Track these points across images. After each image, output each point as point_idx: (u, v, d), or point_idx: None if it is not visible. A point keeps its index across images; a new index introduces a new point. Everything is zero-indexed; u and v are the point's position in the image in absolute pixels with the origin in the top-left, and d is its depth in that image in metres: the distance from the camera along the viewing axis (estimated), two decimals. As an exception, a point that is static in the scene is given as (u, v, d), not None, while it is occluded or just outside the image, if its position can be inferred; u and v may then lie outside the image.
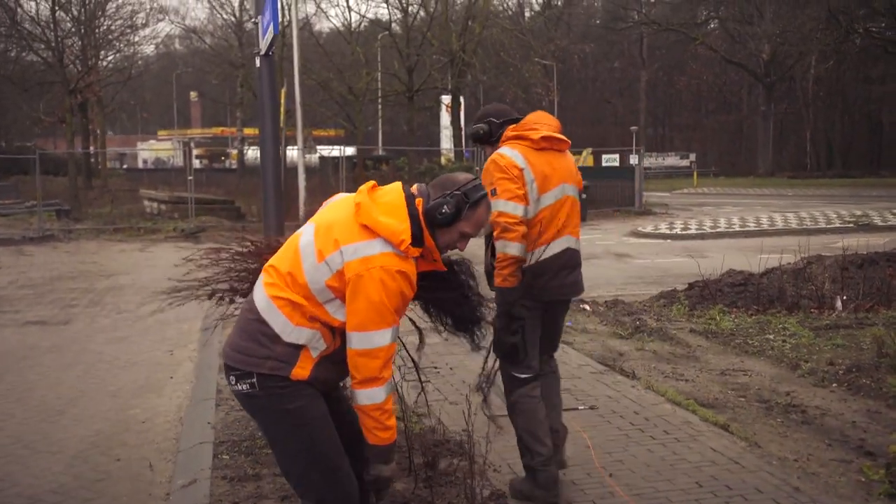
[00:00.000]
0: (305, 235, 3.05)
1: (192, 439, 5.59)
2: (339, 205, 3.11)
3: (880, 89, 56.89)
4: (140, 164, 65.41)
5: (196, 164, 33.34)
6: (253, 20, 5.26)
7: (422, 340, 3.86)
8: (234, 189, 30.75)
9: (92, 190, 33.25)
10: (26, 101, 37.29)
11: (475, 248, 3.59)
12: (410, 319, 3.77)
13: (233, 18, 43.68)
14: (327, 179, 27.16)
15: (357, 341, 2.90)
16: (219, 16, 45.88)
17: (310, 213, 13.93)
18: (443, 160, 32.62)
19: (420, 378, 4.34)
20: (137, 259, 17.01)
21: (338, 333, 3.00)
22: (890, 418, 5.65)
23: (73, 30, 33.51)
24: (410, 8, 32.23)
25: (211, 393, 6.58)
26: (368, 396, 2.92)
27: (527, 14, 55.98)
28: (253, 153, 34.64)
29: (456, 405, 6.01)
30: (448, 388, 6.44)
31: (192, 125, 74.55)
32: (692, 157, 60.94)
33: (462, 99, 37.97)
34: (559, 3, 57.45)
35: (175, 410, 6.43)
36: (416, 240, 2.94)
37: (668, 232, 20.96)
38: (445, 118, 42.04)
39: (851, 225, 20.86)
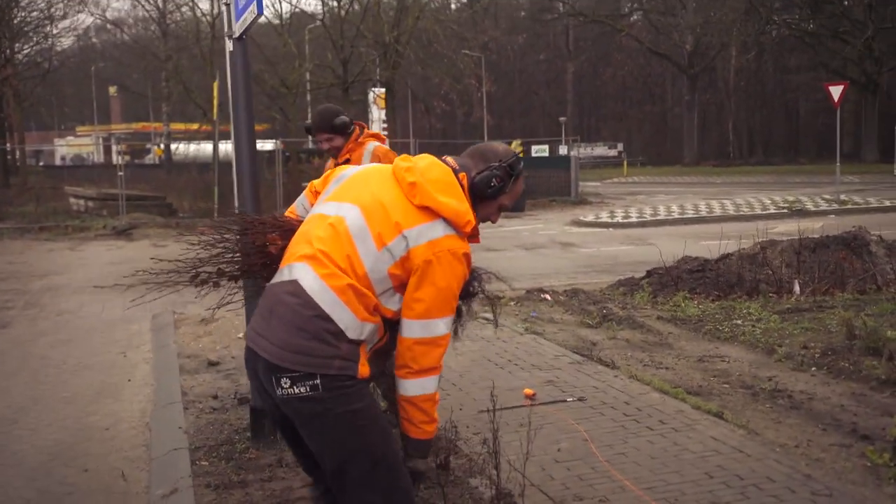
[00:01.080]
0: (353, 218, 2.77)
1: (164, 446, 5.25)
2: (376, 180, 2.86)
3: (796, 79, 58.62)
4: (58, 161, 63.23)
5: (117, 159, 32.27)
6: (224, 1, 4.91)
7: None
8: (162, 185, 29.86)
9: (11, 188, 31.93)
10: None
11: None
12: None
13: (155, 10, 42.46)
14: (261, 174, 26.56)
15: (420, 330, 2.72)
16: (140, 8, 44.54)
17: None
18: (377, 152, 32.26)
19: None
20: (69, 258, 16.30)
21: (387, 326, 2.80)
22: (875, 400, 5.64)
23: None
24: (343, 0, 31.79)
25: (176, 396, 6.23)
26: (422, 387, 2.75)
27: (453, 5, 55.83)
28: (182, 149, 33.72)
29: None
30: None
31: (113, 120, 72.49)
32: (620, 147, 61.73)
33: (393, 91, 37.62)
34: (487, -6, 57.43)
35: (139, 415, 6.06)
36: None
37: (609, 220, 21.07)
38: (376, 111, 41.65)
39: (786, 210, 21.28)
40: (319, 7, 33.93)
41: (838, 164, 23.59)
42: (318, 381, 2.66)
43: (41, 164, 58.99)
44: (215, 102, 23.14)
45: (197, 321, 8.94)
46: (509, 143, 47.09)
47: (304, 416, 2.76)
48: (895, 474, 4.29)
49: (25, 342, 8.68)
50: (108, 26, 53.79)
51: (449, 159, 2.91)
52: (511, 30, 61.29)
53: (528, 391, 5.82)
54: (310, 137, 5.27)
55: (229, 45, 4.95)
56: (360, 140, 5.26)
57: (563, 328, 8.08)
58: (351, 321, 2.69)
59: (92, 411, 6.19)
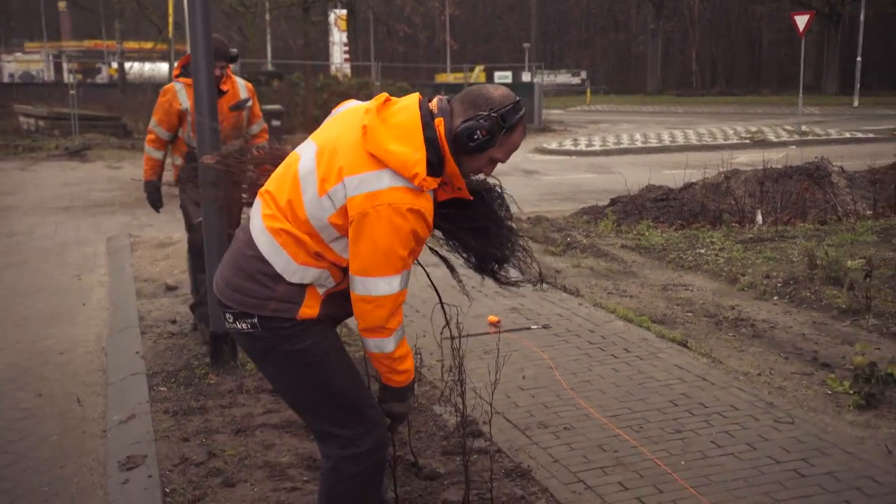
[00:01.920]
0: (305, 160, 2.60)
1: (121, 371, 5.14)
2: (346, 120, 2.63)
3: (760, 9, 58.28)
4: (6, 78, 61.27)
5: (68, 78, 31.16)
6: None
7: (453, 269, 3.33)
8: (116, 105, 29.02)
9: (-44, 106, 30.91)
10: None
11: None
12: (432, 249, 3.33)
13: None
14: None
15: (360, 287, 2.53)
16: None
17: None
18: (339, 76, 31.66)
19: (444, 311, 3.66)
20: (20, 178, 15.84)
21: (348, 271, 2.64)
22: (836, 329, 5.68)
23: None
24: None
25: (133, 320, 6.09)
26: (376, 345, 2.61)
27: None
28: (137, 68, 32.71)
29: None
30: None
31: (63, 37, 70.14)
32: (584, 74, 61.29)
33: (356, 13, 36.77)
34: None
35: (95, 340, 5.91)
36: (434, 168, 2.51)
37: (572, 148, 20.96)
38: (336, 34, 40.78)
39: (748, 141, 21.33)
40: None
41: (801, 95, 23.62)
42: (255, 321, 2.60)
43: (-11, 81, 57.07)
44: (170, 20, 22.41)
45: (154, 245, 8.74)
46: (471, 70, 46.61)
47: (250, 351, 2.75)
48: (854, 402, 4.33)
49: (-25, 264, 8.43)
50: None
51: (434, 101, 2.62)
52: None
53: (493, 318, 5.78)
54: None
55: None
56: (230, 76, 5.77)
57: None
58: (287, 265, 2.57)
59: (46, 335, 6.03)
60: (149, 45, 30.95)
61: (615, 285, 6.89)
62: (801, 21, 22.07)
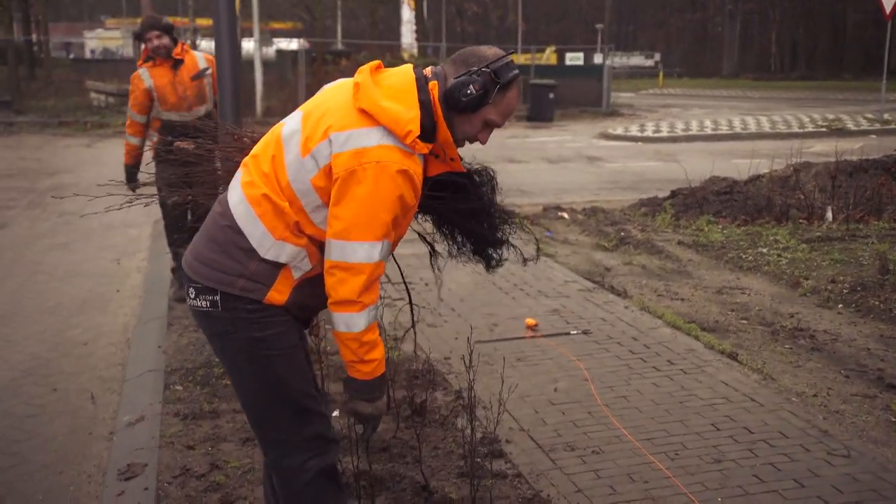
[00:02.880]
0: (290, 123, 2.44)
1: (139, 366, 4.98)
2: (336, 88, 2.48)
3: (846, -10, 56.09)
4: (87, 55, 62.63)
5: (144, 54, 31.57)
6: None
7: (434, 252, 3.26)
8: (186, 82, 29.34)
9: (35, 81, 31.50)
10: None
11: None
12: (417, 233, 3.23)
13: None
14: (285, 74, 25.96)
15: (337, 251, 2.31)
16: None
17: (267, 110, 12.88)
18: (405, 55, 31.40)
19: (410, 299, 3.64)
20: (83, 155, 16.00)
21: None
22: (905, 345, 5.21)
23: None
24: None
25: (162, 311, 5.94)
26: (345, 322, 2.34)
27: None
28: (206, 45, 32.96)
29: (434, 327, 5.46)
30: (425, 308, 5.85)
31: (143, 13, 71.30)
32: (657, 56, 59.92)
33: (425, -9, 36.47)
34: None
35: (121, 331, 5.78)
36: (427, 133, 2.34)
37: (638, 134, 20.34)
38: (407, 12, 40.50)
39: (825, 129, 20.41)
40: None
41: (884, 80, 22.46)
42: (217, 298, 2.40)
43: (71, 56, 58.43)
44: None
45: (198, 229, 8.62)
46: (542, 50, 45.90)
47: (207, 334, 2.56)
48: (922, 434, 3.91)
49: (21, 245, 8.42)
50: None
51: (428, 69, 2.46)
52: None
53: (530, 321, 5.45)
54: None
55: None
56: (186, 49, 6.24)
57: (577, 250, 7.66)
58: (263, 238, 2.37)
59: (74, 324, 5.92)
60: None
61: (666, 286, 6.48)
62: (889, 2, 20.96)
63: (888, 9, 20.79)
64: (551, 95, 24.52)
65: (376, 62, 2.48)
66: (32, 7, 35.07)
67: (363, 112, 2.31)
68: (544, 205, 10.07)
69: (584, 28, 62.31)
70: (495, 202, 2.94)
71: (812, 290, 6.30)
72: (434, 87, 2.37)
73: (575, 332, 5.33)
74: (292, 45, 28.94)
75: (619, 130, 21.20)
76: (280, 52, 30.67)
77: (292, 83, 24.04)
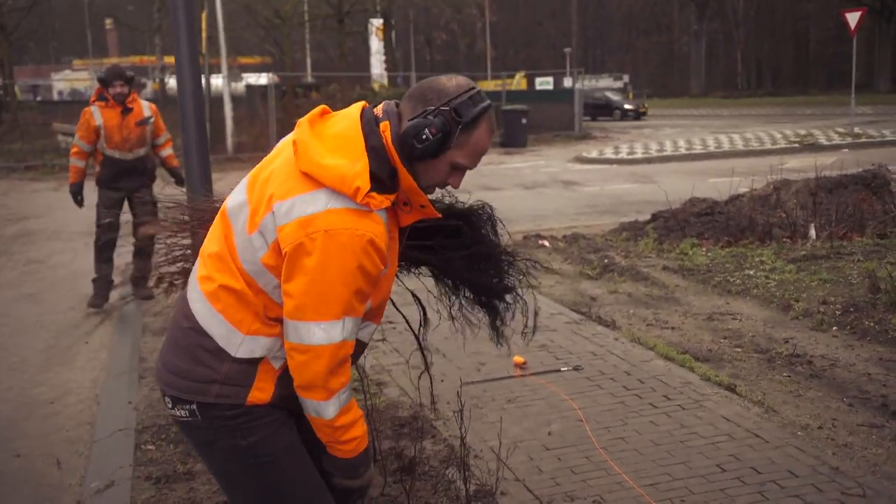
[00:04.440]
0: (236, 192, 2.20)
1: (109, 425, 4.70)
2: (283, 145, 2.20)
3: (808, 7, 56.98)
4: (55, 96, 62.14)
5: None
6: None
7: (426, 321, 3.04)
8: (155, 121, 29.07)
9: (1, 125, 31.10)
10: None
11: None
12: (411, 292, 3.06)
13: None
14: (255, 109, 25.76)
15: (293, 333, 2.04)
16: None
17: (238, 145, 12.58)
18: (376, 86, 31.31)
19: (426, 360, 3.46)
20: (51, 200, 15.65)
21: None
22: (905, 367, 5.04)
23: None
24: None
25: (133, 363, 5.67)
26: (314, 409, 2.09)
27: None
28: (175, 83, 32.72)
29: (419, 369, 5.20)
30: (407, 348, 5.61)
31: (109, 54, 71.04)
32: (626, 78, 60.38)
33: (393, 22, 36.48)
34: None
35: (90, 386, 5.49)
36: (383, 184, 2.03)
37: (613, 157, 20.31)
38: (376, 43, 40.50)
39: (797, 145, 20.49)
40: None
41: (853, 94, 22.63)
42: (194, 408, 2.14)
43: (38, 98, 57.93)
44: (203, 34, 22.21)
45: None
46: (512, 76, 46.04)
47: (192, 443, 2.30)
48: (936, 465, 3.72)
49: (-14, 296, 8.11)
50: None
51: (379, 107, 2.15)
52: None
53: (518, 359, 5.23)
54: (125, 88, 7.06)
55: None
56: (135, 98, 7.18)
57: (560, 280, 7.47)
58: (229, 336, 2.10)
59: (40, 381, 5.63)
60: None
61: (655, 315, 6.30)
62: (853, 18, 21.14)
63: (853, 24, 20.98)
64: (524, 121, 24.51)
65: (320, 108, 2.18)
66: (-5, 51, 34.71)
67: (305, 175, 2.02)
68: (524, 233, 9.90)
69: (552, 53, 62.80)
70: (498, 244, 2.66)
71: (804, 312, 6.13)
72: (386, 129, 2.07)
73: (566, 368, 5.11)
74: (262, 79, 28.77)
75: (594, 153, 21.17)
76: (249, 86, 30.47)
77: (263, 118, 23.83)
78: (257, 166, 2.21)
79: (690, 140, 23.27)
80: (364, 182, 1.97)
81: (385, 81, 33.29)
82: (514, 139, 24.38)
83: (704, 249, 8.42)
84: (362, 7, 30.97)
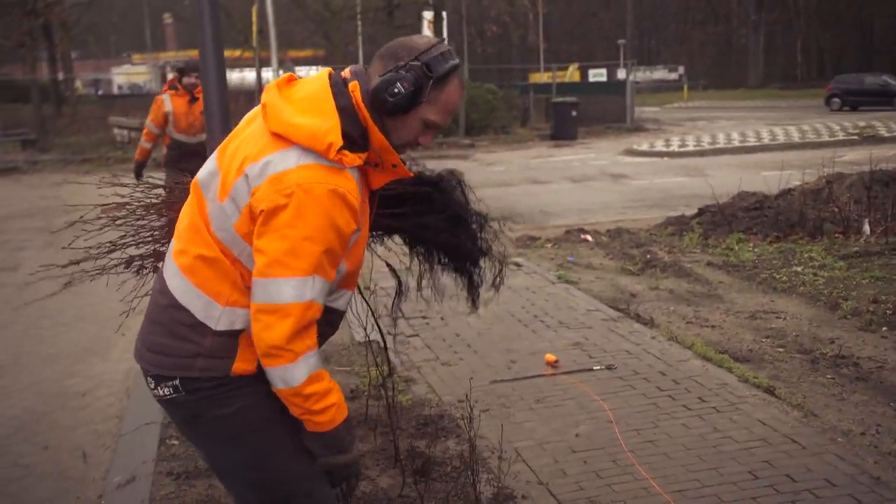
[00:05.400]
0: (207, 165, 2.17)
1: (137, 418, 4.70)
2: (252, 114, 2.19)
3: (872, -6, 55.34)
4: (115, 90, 63.38)
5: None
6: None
7: (400, 291, 3.01)
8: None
9: (61, 118, 31.74)
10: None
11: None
12: (386, 262, 3.07)
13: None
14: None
15: (261, 292, 1.98)
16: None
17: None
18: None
19: (384, 341, 3.60)
20: (104, 191, 15.89)
21: None
22: (958, 371, 4.81)
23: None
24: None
25: (164, 356, 5.67)
26: (280, 377, 2.01)
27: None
28: (237, 76, 33.06)
29: (449, 366, 5.14)
30: (440, 345, 5.54)
31: (169, 48, 72.12)
32: (681, 70, 59.45)
33: (444, 14, 36.34)
34: (543, -90, 55.00)
35: (122, 379, 5.51)
36: (355, 141, 2.01)
37: (664, 149, 19.94)
38: (427, 35, 40.42)
39: (856, 137, 19.90)
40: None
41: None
42: (177, 383, 2.11)
43: (99, 92, 59.14)
44: (254, 28, 22.39)
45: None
46: (565, 68, 45.61)
47: (176, 422, 2.27)
48: None
49: (30, 287, 8.21)
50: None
51: (347, 70, 2.14)
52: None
53: (550, 357, 5.11)
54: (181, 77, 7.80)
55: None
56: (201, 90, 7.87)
57: (600, 276, 7.31)
58: (208, 309, 2.07)
59: (74, 372, 5.67)
60: (237, 52, 31.14)
61: (696, 312, 6.12)
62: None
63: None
64: (574, 113, 24.21)
65: (287, 75, 2.17)
66: (57, 46, 35.42)
67: (276, 135, 2.00)
68: (567, 227, 9.74)
69: (606, 44, 62.02)
70: (469, 208, 2.68)
71: (852, 311, 5.90)
72: (355, 89, 2.05)
73: (598, 367, 4.98)
74: (312, 72, 28.90)
75: (645, 146, 20.82)
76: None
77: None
78: (228, 136, 2.18)
79: (745, 132, 22.75)
80: (336, 138, 1.96)
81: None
82: (563, 132, 24.11)
83: (751, 245, 8.18)
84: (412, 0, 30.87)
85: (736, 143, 20.26)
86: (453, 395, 4.64)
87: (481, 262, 2.84)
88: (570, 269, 7.54)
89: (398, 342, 5.14)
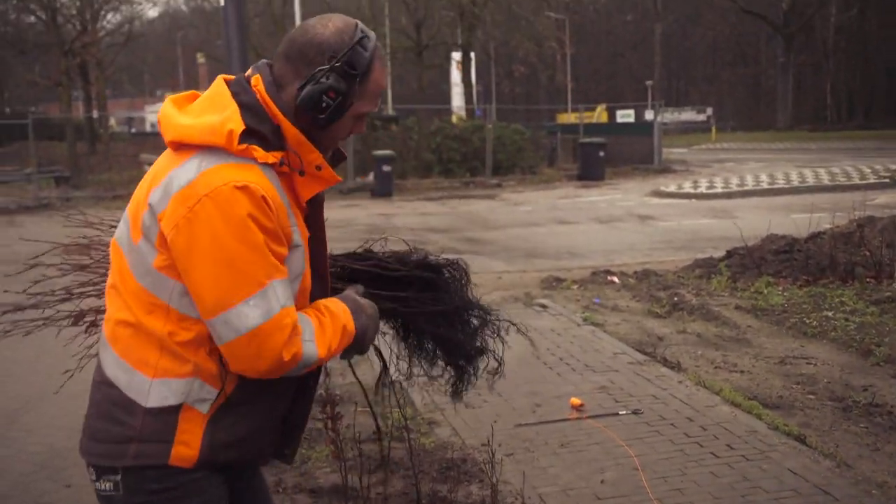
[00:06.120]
0: (121, 222, 1.93)
1: (158, 457, 4.68)
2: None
3: (904, 36, 55.14)
4: (148, 128, 64.45)
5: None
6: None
7: (384, 373, 2.81)
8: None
9: (95, 155, 32.30)
10: (24, 65, 36.31)
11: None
12: (374, 346, 2.80)
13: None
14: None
15: (224, 329, 1.72)
16: (220, -27, 44.48)
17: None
18: (454, 118, 31.47)
19: (377, 423, 3.38)
20: (72, 231, 16.07)
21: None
22: None
23: (68, -11, 32.38)
24: (417, -40, 30.93)
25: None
26: (304, 368, 1.83)
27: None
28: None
29: (473, 409, 5.09)
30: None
31: (201, 87, 73.25)
32: (709, 111, 59.41)
33: (473, 55, 36.69)
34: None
35: (145, 416, 5.50)
36: (263, 137, 1.77)
37: (692, 191, 19.87)
38: (456, 75, 40.82)
39: (888, 180, 19.71)
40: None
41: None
42: (119, 478, 1.82)
43: (132, 130, 60.20)
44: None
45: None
46: (592, 109, 45.75)
47: None
48: None
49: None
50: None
51: (249, 70, 1.91)
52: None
53: (575, 401, 5.05)
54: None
55: (221, 1, 4.26)
56: None
57: (627, 318, 7.24)
58: (136, 382, 1.79)
59: (98, 409, 5.67)
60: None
61: (724, 357, 6.03)
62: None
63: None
64: (601, 154, 24.26)
65: (189, 92, 1.93)
66: (93, 86, 36.15)
67: (174, 145, 1.79)
68: (593, 268, 9.69)
69: (634, 85, 62.32)
70: (471, 300, 2.51)
71: (886, 358, 5.79)
72: (258, 82, 1.82)
73: (624, 412, 4.90)
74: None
75: (672, 187, 20.76)
76: (330, 119, 30.92)
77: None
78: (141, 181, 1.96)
79: (773, 174, 22.63)
80: (236, 124, 1.73)
81: (464, 113, 33.44)
82: (590, 172, 24.13)
83: (781, 289, 8.08)
84: (442, 40, 31.21)
85: (765, 185, 20.14)
86: (477, 438, 4.58)
87: (477, 361, 2.59)
88: (597, 311, 7.47)
89: (421, 383, 5.11)
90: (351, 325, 1.92)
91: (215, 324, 1.74)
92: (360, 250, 2.61)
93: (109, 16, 38.50)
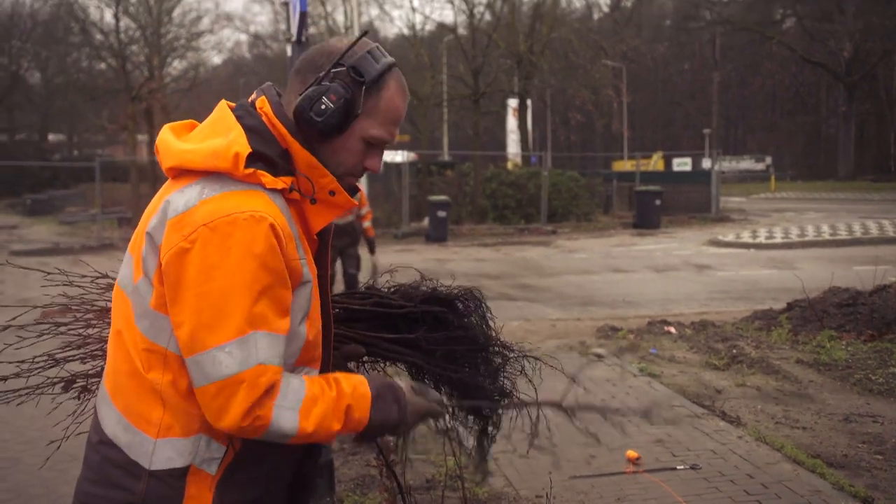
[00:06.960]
0: (123, 264, 1.79)
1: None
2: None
3: (969, 86, 54.08)
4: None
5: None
6: (282, 1, 4.36)
7: (402, 492, 2.53)
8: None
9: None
10: (94, 110, 37.48)
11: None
12: (391, 470, 2.64)
13: (297, 24, 43.25)
14: (390, 186, 26.42)
15: (195, 373, 1.57)
16: (282, 22, 45.61)
17: (373, 221, 13.01)
18: (510, 165, 31.60)
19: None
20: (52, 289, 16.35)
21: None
22: None
23: (138, 37, 33.46)
24: (476, 10, 31.29)
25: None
26: (276, 438, 1.63)
27: (595, 15, 54.65)
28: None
29: (526, 459, 5.02)
30: (518, 436, 5.41)
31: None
32: (768, 160, 58.71)
33: (529, 102, 36.89)
34: (629, 3, 55.92)
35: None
36: (272, 162, 1.65)
37: (750, 241, 19.57)
38: (512, 122, 41.03)
39: (955, 233, 19.22)
40: (452, 18, 33.48)
41: None
42: None
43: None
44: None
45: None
46: (649, 157, 45.56)
47: None
48: None
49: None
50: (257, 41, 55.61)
51: (254, 94, 1.80)
52: (654, 39, 59.42)
53: (632, 454, 4.96)
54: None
55: (289, 50, 4.36)
56: None
57: (684, 370, 7.12)
58: (136, 442, 1.65)
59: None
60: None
61: (785, 412, 5.88)
62: None
63: None
64: (657, 202, 24.11)
65: (188, 121, 1.81)
66: (157, 130, 37.14)
67: (173, 172, 1.67)
68: (650, 318, 9.57)
69: (691, 133, 61.98)
70: (491, 335, 2.20)
71: (955, 418, 5.59)
72: (263, 104, 1.71)
73: (682, 466, 4.80)
74: (397, 157, 29.58)
75: (730, 237, 20.49)
76: (386, 164, 31.35)
77: (397, 194, 24.37)
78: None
79: (835, 225, 22.21)
80: (242, 146, 1.60)
81: (520, 160, 33.55)
82: (646, 220, 23.98)
83: (844, 343, 7.87)
84: (499, 87, 31.44)
85: (826, 236, 19.77)
86: (530, 489, 4.52)
87: (500, 407, 2.23)
88: (653, 362, 7.37)
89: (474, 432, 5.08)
90: (361, 413, 1.70)
91: (189, 363, 1.59)
92: (363, 288, 2.38)
93: (176, 62, 39.64)
